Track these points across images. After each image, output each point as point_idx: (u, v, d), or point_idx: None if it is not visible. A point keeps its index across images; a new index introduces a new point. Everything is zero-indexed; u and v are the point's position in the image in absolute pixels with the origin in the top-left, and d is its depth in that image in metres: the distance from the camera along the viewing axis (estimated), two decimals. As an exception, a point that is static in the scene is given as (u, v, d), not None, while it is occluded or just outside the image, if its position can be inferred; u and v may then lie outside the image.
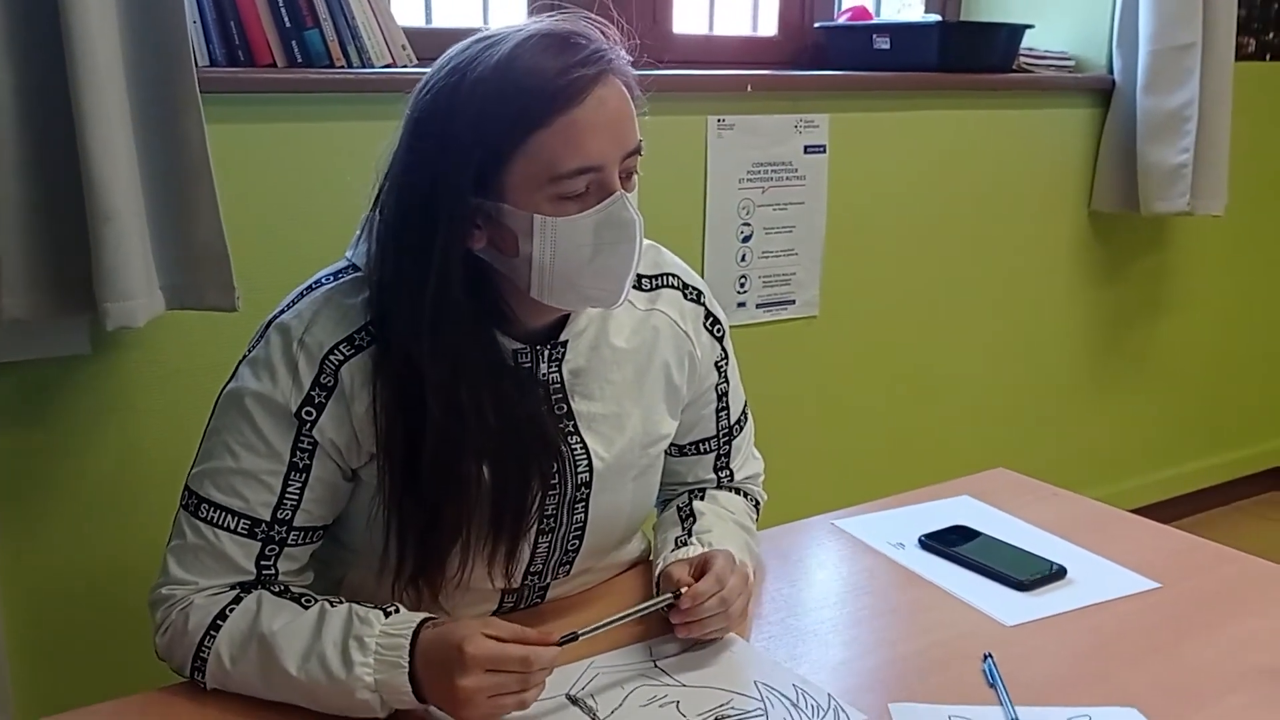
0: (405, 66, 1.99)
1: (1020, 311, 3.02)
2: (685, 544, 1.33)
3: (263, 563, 1.17)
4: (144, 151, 1.63)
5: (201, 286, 1.71)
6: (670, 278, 1.36)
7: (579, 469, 1.25)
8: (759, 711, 1.13)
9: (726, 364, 1.42)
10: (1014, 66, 2.87)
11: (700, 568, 1.26)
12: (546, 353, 1.23)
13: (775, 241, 2.52)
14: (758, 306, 2.53)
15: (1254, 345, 3.60)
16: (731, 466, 1.47)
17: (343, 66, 1.93)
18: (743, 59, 2.71)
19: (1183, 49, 2.83)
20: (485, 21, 2.40)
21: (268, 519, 1.16)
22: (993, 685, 1.19)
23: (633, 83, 1.16)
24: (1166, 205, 2.92)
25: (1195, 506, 3.52)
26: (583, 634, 1.14)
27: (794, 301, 2.58)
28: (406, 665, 1.07)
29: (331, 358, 1.14)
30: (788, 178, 2.50)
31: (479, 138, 1.08)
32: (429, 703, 1.09)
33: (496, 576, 1.22)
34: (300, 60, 1.90)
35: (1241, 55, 3.13)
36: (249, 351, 1.19)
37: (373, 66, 1.95)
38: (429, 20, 2.31)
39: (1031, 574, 1.43)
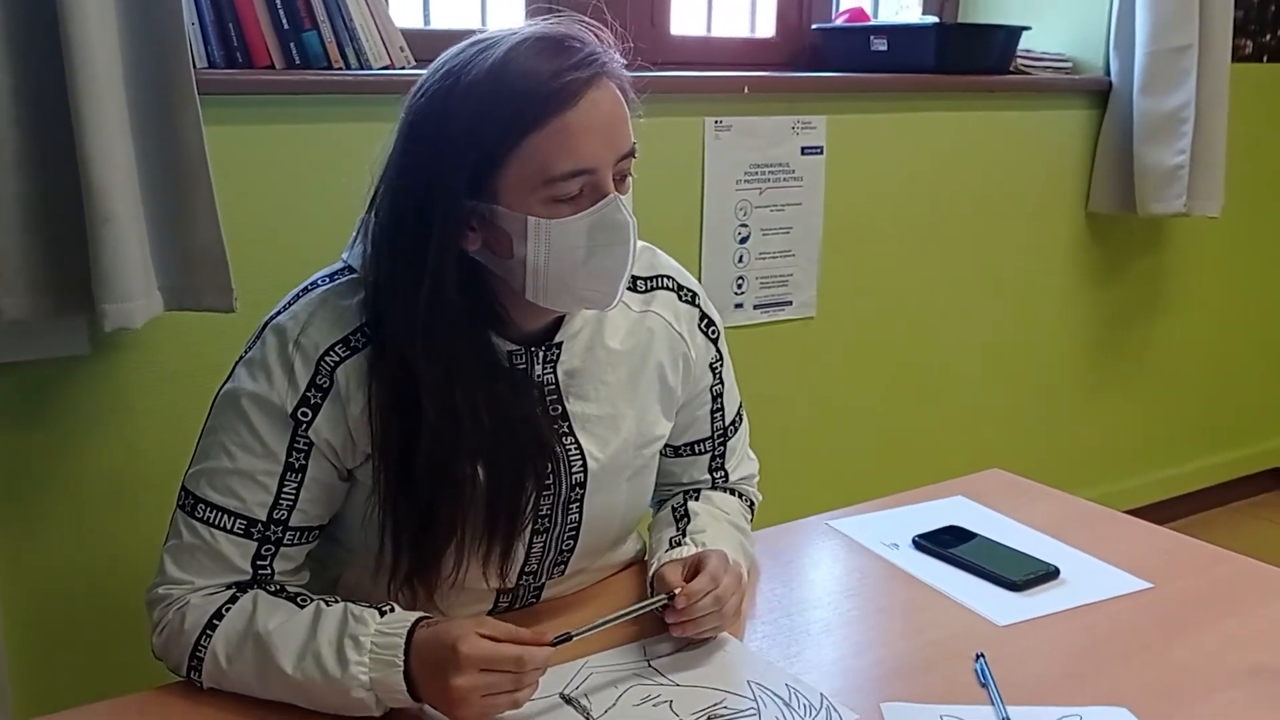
0: (403, 68, 1.99)
1: (1018, 312, 3.03)
2: (680, 544, 1.34)
3: (259, 563, 1.18)
4: (142, 153, 1.64)
5: (199, 288, 1.72)
6: (665, 279, 1.37)
7: (573, 469, 1.26)
8: (751, 711, 1.14)
9: (721, 365, 1.43)
10: (1011, 68, 2.88)
11: (694, 568, 1.27)
12: (541, 354, 1.24)
13: (772, 243, 2.53)
14: (755, 307, 2.54)
15: (1251, 346, 3.61)
16: (726, 467, 1.48)
17: (341, 68, 1.94)
18: (740, 60, 2.72)
19: (1179, 51, 2.84)
20: (483, 23, 2.41)
21: (264, 519, 1.16)
22: (984, 685, 1.20)
23: (627, 85, 1.17)
24: (1163, 206, 2.92)
25: (1192, 507, 3.53)
26: (576, 634, 1.15)
27: (791, 302, 2.59)
28: (401, 664, 1.08)
29: (327, 359, 1.15)
30: (785, 179, 2.51)
31: (473, 140, 1.09)
32: (424, 702, 1.09)
33: (491, 576, 1.23)
34: (298, 62, 1.91)
35: (1238, 57, 3.14)
36: (245, 352, 1.20)
37: (370, 68, 1.96)
38: (427, 22, 2.32)
39: (1024, 574, 1.44)
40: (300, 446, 1.16)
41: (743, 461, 1.51)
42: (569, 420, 1.26)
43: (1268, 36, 3.32)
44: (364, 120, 1.91)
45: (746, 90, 2.40)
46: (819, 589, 1.46)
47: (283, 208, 1.90)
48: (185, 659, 1.14)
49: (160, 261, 1.69)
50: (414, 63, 2.00)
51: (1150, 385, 3.39)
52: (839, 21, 2.81)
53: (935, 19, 2.91)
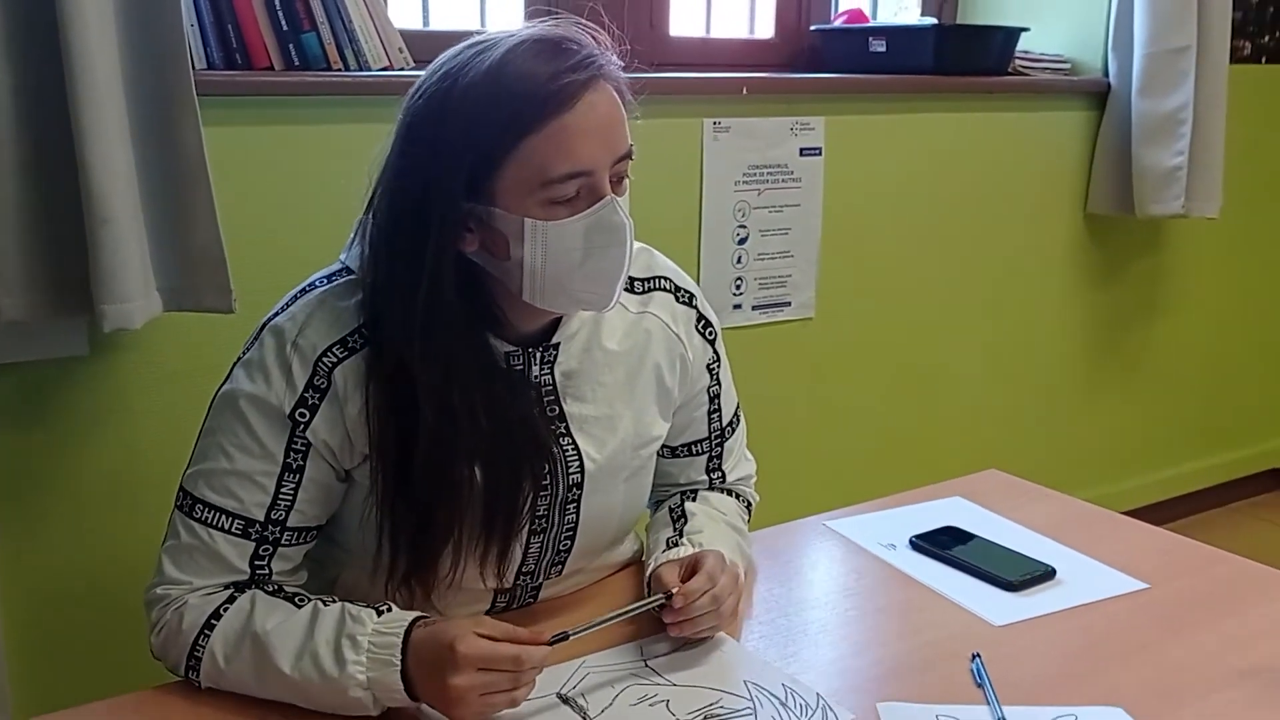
0: (402, 69, 2.00)
1: (1016, 313, 3.03)
2: (676, 544, 1.34)
3: (256, 563, 1.18)
4: (141, 154, 1.64)
5: (199, 288, 1.72)
6: (662, 280, 1.37)
7: (570, 470, 1.26)
8: (748, 711, 1.14)
9: (718, 366, 1.43)
10: (1009, 69, 2.88)
11: (691, 568, 1.27)
12: (539, 355, 1.24)
13: (771, 244, 2.53)
14: (754, 308, 2.54)
15: (1249, 347, 3.61)
16: (724, 468, 1.48)
17: (340, 69, 1.94)
18: (739, 62, 2.72)
19: (1177, 52, 2.85)
20: (482, 24, 2.41)
21: (261, 519, 1.17)
22: (980, 685, 1.20)
23: (624, 88, 1.17)
24: (1161, 208, 2.93)
25: (1191, 508, 3.53)
26: (574, 633, 1.15)
27: (790, 303, 2.59)
28: (399, 664, 1.08)
29: (325, 360, 1.16)
30: (783, 180, 2.51)
31: (470, 142, 1.09)
32: (421, 701, 1.10)
33: (488, 577, 1.23)
34: (297, 63, 1.92)
35: (1237, 58, 3.14)
36: (244, 353, 1.20)
37: (370, 69, 1.96)
38: (426, 23, 2.32)
39: (1021, 575, 1.44)
40: (298, 447, 1.16)
41: (740, 462, 1.51)
42: (566, 421, 1.26)
43: (1266, 38, 3.33)
44: (363, 121, 1.92)
45: (745, 91, 2.40)
46: (816, 589, 1.46)
47: (282, 209, 1.91)
48: (183, 659, 1.15)
49: (159, 262, 1.69)
50: (413, 64, 2.01)
51: (1149, 386, 3.39)
52: (838, 23, 2.82)
53: (934, 20, 2.91)
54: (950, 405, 2.95)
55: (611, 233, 1.14)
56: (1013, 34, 2.83)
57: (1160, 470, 3.47)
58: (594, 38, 1.17)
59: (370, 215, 1.17)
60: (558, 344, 1.25)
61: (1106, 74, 2.99)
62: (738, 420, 1.50)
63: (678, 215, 2.39)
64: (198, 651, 1.14)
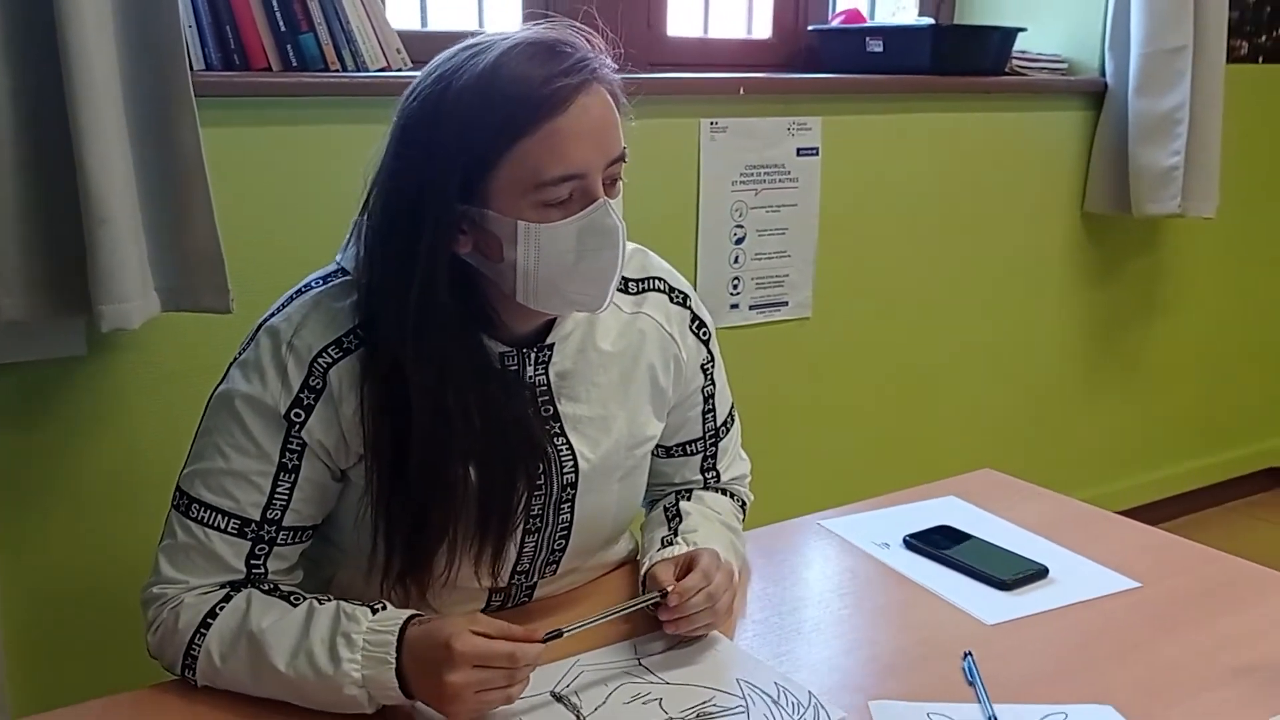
0: (400, 70, 2.00)
1: (1013, 313, 3.04)
2: (671, 543, 1.35)
3: (252, 562, 1.19)
4: (139, 155, 1.65)
5: (196, 289, 1.73)
6: (656, 281, 1.38)
7: (564, 470, 1.27)
8: (740, 709, 1.15)
9: (713, 366, 1.44)
10: (1006, 69, 2.89)
11: (686, 566, 1.28)
12: (533, 356, 1.25)
13: (768, 243, 2.54)
14: (751, 308, 2.55)
15: (1246, 346, 3.62)
16: (718, 468, 1.49)
17: (337, 70, 1.95)
18: (737, 62, 2.73)
19: (1174, 52, 2.85)
20: (480, 24, 2.42)
21: (257, 519, 1.18)
22: (972, 683, 1.21)
23: (618, 90, 1.18)
24: (1158, 207, 2.94)
25: (1188, 507, 3.54)
26: (567, 631, 1.16)
27: (787, 303, 2.60)
28: (394, 661, 1.09)
29: (320, 360, 1.16)
30: (780, 180, 2.52)
31: (464, 145, 1.10)
32: (416, 699, 1.11)
33: (483, 576, 1.24)
34: (295, 64, 1.92)
35: (1234, 58, 3.15)
36: (240, 354, 1.21)
37: (367, 70, 1.97)
38: (424, 24, 2.33)
39: (1014, 573, 1.45)
40: (293, 447, 1.17)
41: (734, 462, 1.52)
42: (560, 421, 1.27)
43: (1263, 38, 3.33)
44: (361, 122, 1.92)
45: (742, 92, 2.41)
46: (810, 588, 1.47)
47: (279, 209, 1.91)
48: (180, 657, 1.16)
49: (157, 263, 1.70)
50: (410, 64, 2.01)
51: (1146, 385, 3.40)
52: (835, 23, 2.82)
53: (931, 20, 2.92)
54: (947, 405, 2.96)
55: (604, 235, 1.15)
56: (1010, 34, 2.83)
57: (1157, 469, 3.48)
58: (588, 40, 1.17)
59: (365, 216, 1.18)
60: (552, 344, 1.26)
61: (1103, 74, 3.00)
62: (732, 420, 1.51)
63: (675, 215, 2.40)
64: (194, 650, 1.15)
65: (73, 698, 1.19)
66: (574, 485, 1.28)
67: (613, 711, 1.14)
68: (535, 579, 1.34)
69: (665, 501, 1.45)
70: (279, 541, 1.19)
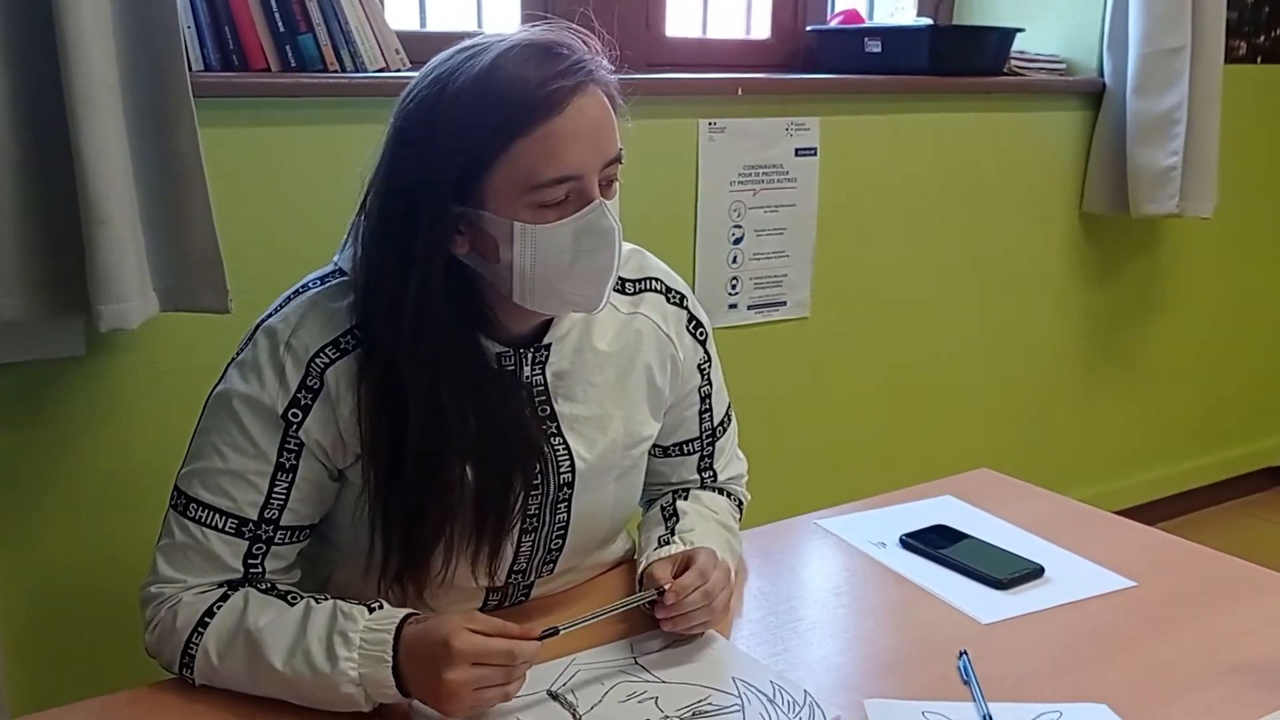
0: (398, 70, 2.01)
1: (1012, 313, 3.04)
2: (668, 542, 1.36)
3: (250, 561, 1.19)
4: (138, 156, 1.65)
5: (195, 289, 1.73)
6: (653, 282, 1.38)
7: (561, 469, 1.27)
8: (735, 708, 1.16)
9: (709, 366, 1.45)
10: (1005, 70, 2.89)
11: (683, 564, 1.28)
12: (530, 355, 1.25)
13: (766, 243, 2.54)
14: (749, 308, 2.55)
15: (1244, 346, 3.62)
16: (715, 467, 1.50)
17: (336, 71, 1.95)
18: (736, 62, 2.73)
19: (1172, 52, 2.86)
20: (479, 25, 2.42)
21: (255, 518, 1.18)
22: (967, 682, 1.21)
23: (614, 92, 1.18)
24: (1156, 207, 2.94)
25: (1186, 506, 3.54)
26: (564, 628, 1.17)
27: (785, 303, 2.60)
28: (390, 660, 1.10)
29: (317, 360, 1.17)
30: (779, 180, 2.52)
31: (460, 146, 1.11)
32: (413, 697, 1.11)
33: (480, 575, 1.25)
34: (294, 64, 1.92)
35: (1232, 58, 3.15)
36: (238, 354, 1.22)
37: (366, 71, 1.97)
38: (423, 24, 2.33)
39: (1010, 573, 1.45)
40: (291, 447, 1.17)
41: (731, 461, 1.52)
42: (557, 421, 1.28)
43: (1262, 38, 3.33)
44: (359, 122, 1.92)
45: (740, 92, 2.41)
46: (806, 587, 1.47)
47: (278, 209, 1.92)
48: (177, 656, 1.16)
49: (156, 263, 1.70)
50: (409, 65, 2.01)
51: (1144, 385, 3.40)
52: (833, 23, 2.83)
53: (929, 21, 2.92)
54: (946, 404, 2.96)
55: (600, 236, 1.15)
56: (1008, 34, 2.84)
57: (1155, 469, 3.49)
58: (584, 42, 1.18)
59: (362, 217, 1.18)
60: (549, 344, 1.26)
61: (1102, 74, 3.00)
62: (729, 420, 1.51)
63: (673, 215, 2.40)
64: (191, 649, 1.15)
65: (71, 696, 1.20)
66: (571, 485, 1.29)
67: (609, 710, 1.15)
68: (532, 578, 1.34)
69: (662, 501, 1.46)
70: (276, 541, 1.20)
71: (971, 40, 2.80)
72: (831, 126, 2.56)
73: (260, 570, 1.20)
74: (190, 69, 1.70)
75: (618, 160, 1.17)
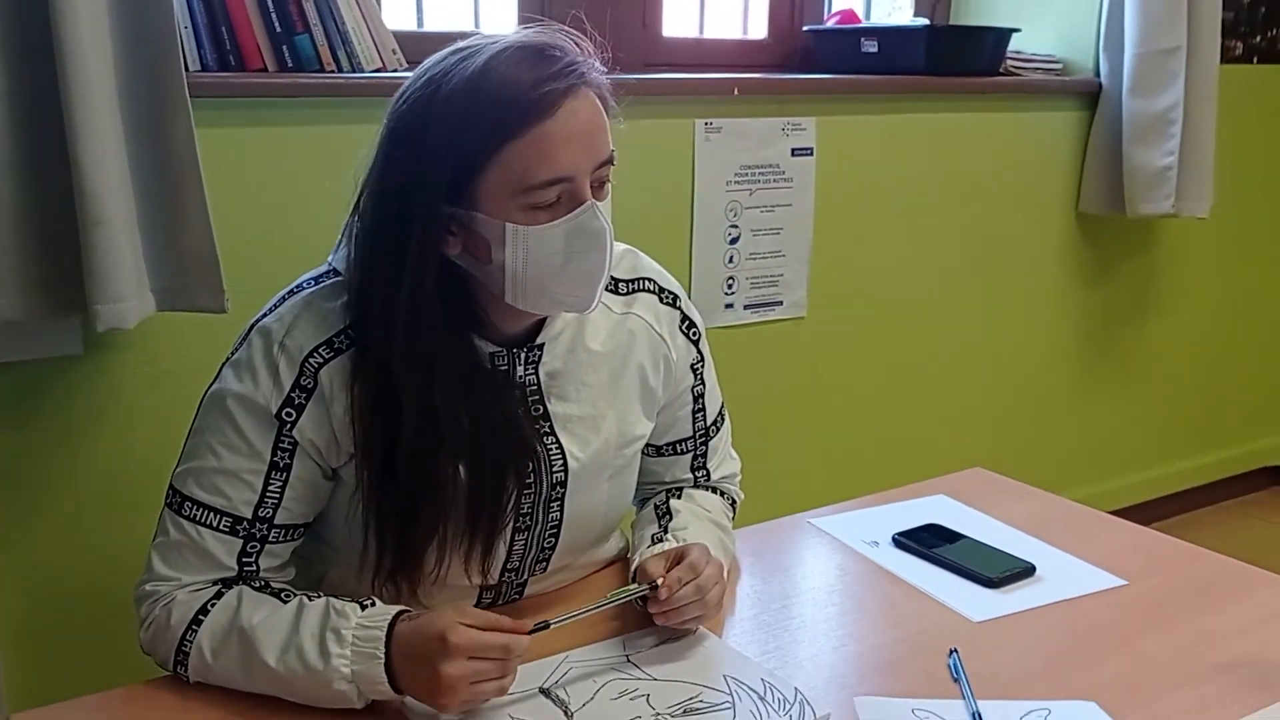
0: (395, 70, 2.01)
1: (1008, 312, 3.04)
2: (661, 540, 1.37)
3: (244, 559, 1.20)
4: (134, 156, 1.66)
5: (192, 288, 1.74)
6: (646, 282, 1.39)
7: (554, 469, 1.28)
8: (726, 705, 1.16)
9: (702, 366, 1.45)
10: (1001, 70, 2.89)
11: (675, 560, 1.29)
12: (523, 355, 1.26)
13: (763, 243, 2.55)
14: (745, 308, 2.56)
15: (1240, 345, 3.63)
16: (708, 466, 1.50)
17: (333, 71, 1.96)
18: (733, 62, 2.74)
19: (1168, 52, 2.86)
20: (476, 25, 2.43)
21: (249, 517, 1.19)
22: (957, 680, 1.22)
23: (606, 94, 1.19)
24: (1151, 207, 2.95)
25: (1182, 506, 3.55)
26: (554, 623, 1.18)
27: (782, 303, 2.61)
28: (383, 656, 1.10)
29: (311, 360, 1.18)
30: (775, 180, 2.53)
31: (453, 148, 1.11)
32: (405, 693, 1.12)
33: (473, 573, 1.25)
34: (291, 65, 1.93)
35: (1229, 58, 3.16)
36: (232, 353, 1.22)
37: (363, 71, 1.98)
38: (420, 24, 2.34)
39: (1001, 571, 1.46)
40: (285, 446, 1.18)
41: (724, 460, 1.53)
42: (550, 420, 1.28)
43: (1258, 38, 3.34)
44: (356, 123, 1.93)
45: (736, 92, 2.42)
46: (799, 586, 1.48)
47: (274, 209, 1.92)
48: (172, 654, 1.17)
49: (153, 263, 1.71)
50: (406, 65, 2.02)
51: (1140, 385, 3.41)
52: (830, 23, 2.83)
53: (926, 21, 2.92)
54: (942, 404, 2.97)
55: (592, 237, 1.16)
56: (1004, 34, 2.84)
57: (1152, 469, 3.49)
58: (577, 44, 1.18)
59: (356, 218, 1.19)
60: (542, 344, 1.27)
61: (1098, 74, 3.01)
62: (722, 419, 1.52)
63: (670, 215, 2.41)
64: (185, 646, 1.16)
65: (68, 693, 1.20)
66: (563, 484, 1.29)
67: (600, 707, 1.15)
68: (525, 577, 1.35)
69: (656, 500, 1.47)
70: (270, 539, 1.21)
71: (968, 40, 2.80)
72: (828, 126, 2.56)
73: (254, 568, 1.21)
74: (187, 69, 1.70)
75: (610, 162, 1.17)
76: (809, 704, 1.17)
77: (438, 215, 1.13)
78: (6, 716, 1.13)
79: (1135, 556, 1.53)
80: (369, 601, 1.16)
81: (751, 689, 1.19)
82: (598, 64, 1.19)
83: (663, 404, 1.41)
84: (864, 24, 2.85)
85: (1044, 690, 1.21)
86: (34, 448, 1.81)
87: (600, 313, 1.32)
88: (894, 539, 1.56)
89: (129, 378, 1.86)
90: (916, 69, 2.68)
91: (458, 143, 1.11)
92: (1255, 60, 3.35)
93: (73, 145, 1.56)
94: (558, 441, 1.28)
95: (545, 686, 1.18)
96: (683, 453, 1.48)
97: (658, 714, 1.14)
